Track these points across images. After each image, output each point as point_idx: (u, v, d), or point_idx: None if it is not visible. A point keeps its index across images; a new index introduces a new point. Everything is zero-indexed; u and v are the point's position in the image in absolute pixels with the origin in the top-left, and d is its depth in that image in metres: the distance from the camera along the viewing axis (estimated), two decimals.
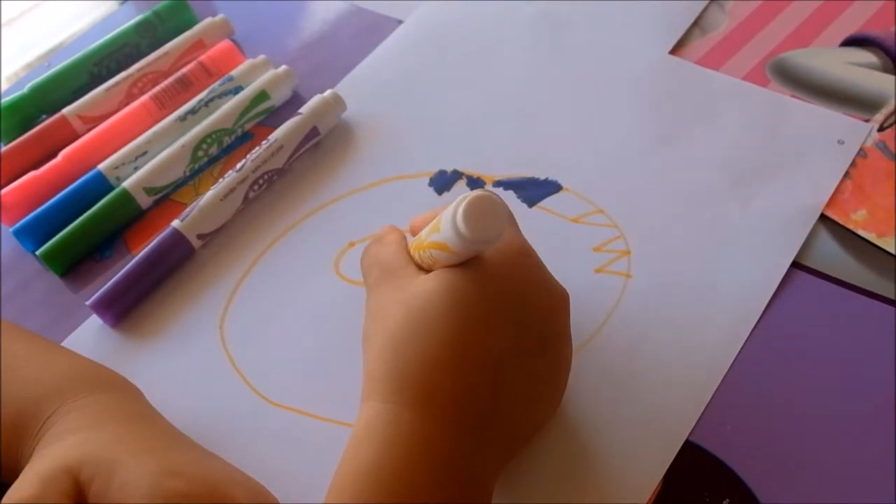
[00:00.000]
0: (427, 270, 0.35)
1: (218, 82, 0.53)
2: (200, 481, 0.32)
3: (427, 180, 0.49)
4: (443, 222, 0.32)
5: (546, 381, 0.35)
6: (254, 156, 0.48)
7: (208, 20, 0.58)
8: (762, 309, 0.41)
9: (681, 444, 0.38)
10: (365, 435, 0.32)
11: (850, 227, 0.44)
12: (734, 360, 0.40)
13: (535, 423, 0.36)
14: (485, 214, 0.30)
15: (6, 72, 0.62)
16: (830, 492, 0.36)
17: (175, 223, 0.46)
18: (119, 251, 0.48)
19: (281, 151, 0.49)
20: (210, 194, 0.47)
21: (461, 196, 0.31)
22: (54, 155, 0.51)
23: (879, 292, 0.42)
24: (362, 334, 0.36)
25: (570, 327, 0.36)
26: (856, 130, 0.48)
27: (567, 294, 0.36)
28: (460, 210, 0.30)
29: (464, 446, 0.32)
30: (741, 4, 0.56)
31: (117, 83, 0.54)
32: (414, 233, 0.39)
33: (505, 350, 0.33)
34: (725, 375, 0.40)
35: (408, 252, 0.37)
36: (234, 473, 0.35)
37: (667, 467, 0.37)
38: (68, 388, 0.36)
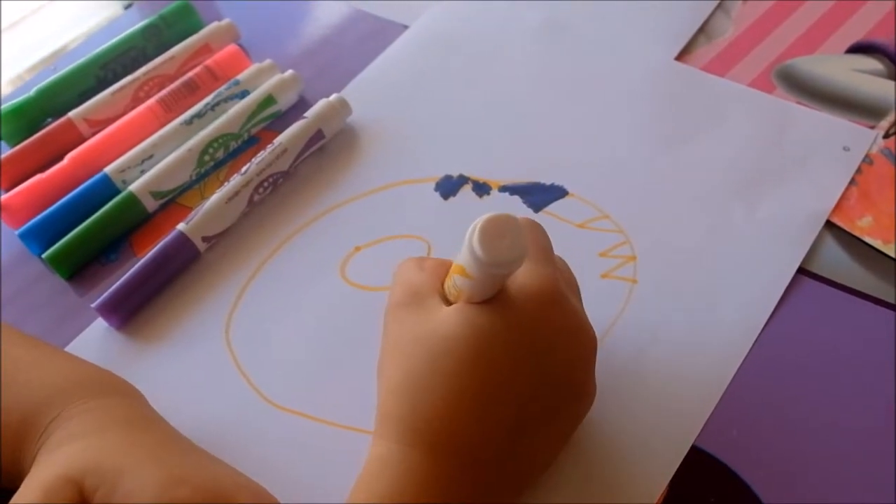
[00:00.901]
0: (452, 303, 0.34)
1: (224, 86, 0.53)
2: (205, 488, 0.32)
3: (433, 185, 0.49)
4: (463, 245, 0.31)
5: (565, 426, 0.35)
6: (258, 159, 0.48)
7: (214, 24, 0.58)
8: (768, 315, 0.42)
9: (687, 448, 0.38)
10: (377, 473, 0.32)
11: (856, 233, 0.44)
12: (740, 365, 0.40)
13: (552, 457, 0.36)
14: (501, 235, 0.29)
15: (9, 75, 0.62)
16: (835, 496, 0.36)
17: (180, 226, 0.46)
18: (125, 254, 0.48)
19: (286, 154, 0.49)
20: (215, 197, 0.47)
21: (479, 218, 0.29)
22: (60, 158, 0.51)
23: (885, 298, 0.42)
24: (378, 360, 0.36)
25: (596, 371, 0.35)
26: (861, 137, 0.48)
27: (595, 339, 0.35)
28: (476, 230, 0.29)
29: (478, 487, 0.32)
30: (747, 11, 0.56)
31: (123, 87, 0.54)
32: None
33: (526, 398, 0.33)
34: (731, 380, 0.40)
35: (441, 282, 0.36)
36: (239, 479, 0.34)
37: (673, 472, 0.37)
38: (70, 393, 0.35)
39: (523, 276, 0.33)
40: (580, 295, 0.37)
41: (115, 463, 0.31)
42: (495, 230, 0.29)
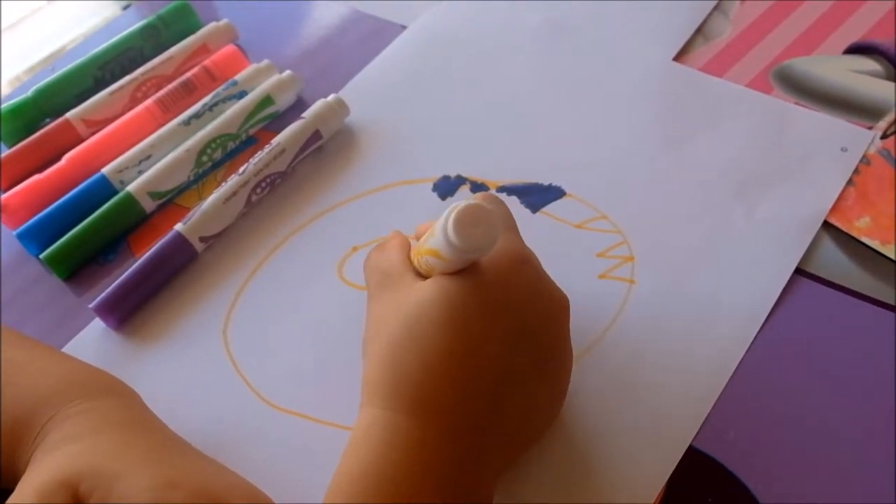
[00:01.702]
0: (425, 277, 0.35)
1: (222, 87, 0.53)
2: (199, 491, 0.32)
3: (431, 185, 0.49)
4: (436, 229, 0.32)
5: (545, 389, 0.35)
6: (256, 159, 0.48)
7: (212, 25, 0.58)
8: (765, 315, 0.41)
9: (684, 449, 0.37)
10: (363, 439, 0.32)
11: (854, 234, 0.44)
12: (738, 366, 0.40)
13: (534, 429, 0.36)
14: (475, 224, 0.30)
15: (8, 75, 0.62)
16: (833, 497, 0.36)
17: (178, 226, 0.46)
18: (123, 255, 0.48)
19: (283, 155, 0.49)
20: (213, 197, 0.47)
21: (454, 204, 0.31)
22: (58, 158, 0.51)
23: (883, 299, 0.42)
24: (362, 340, 0.36)
25: (571, 334, 0.36)
26: (859, 138, 0.48)
27: (567, 300, 0.36)
28: (451, 219, 0.30)
29: (461, 452, 0.32)
30: (745, 11, 0.56)
31: (121, 87, 0.54)
32: (419, 239, 0.38)
33: (502, 357, 0.33)
34: (729, 381, 0.39)
35: (409, 258, 0.37)
36: (235, 481, 0.34)
37: (670, 473, 0.37)
38: (65, 394, 0.35)
39: None
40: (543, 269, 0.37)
41: (109, 466, 0.31)
42: (470, 219, 0.30)
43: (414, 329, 0.33)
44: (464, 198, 0.48)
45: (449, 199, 0.48)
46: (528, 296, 0.35)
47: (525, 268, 0.35)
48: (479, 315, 0.33)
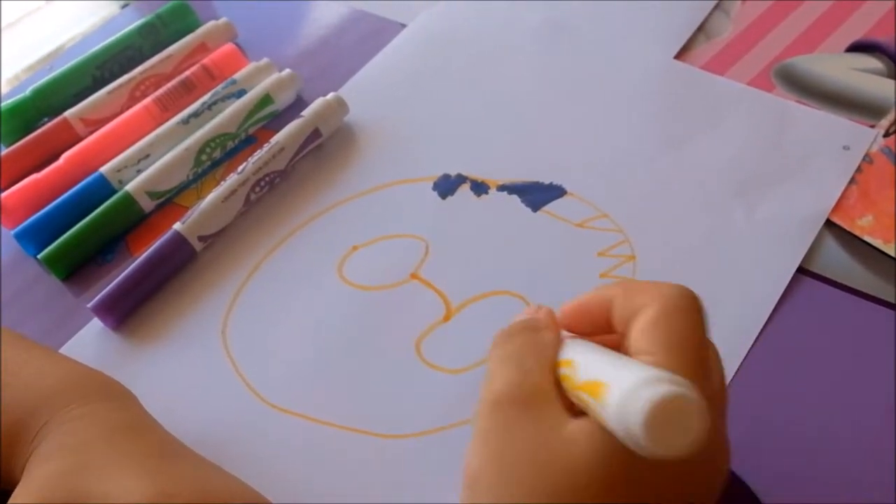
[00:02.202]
0: (575, 407, 0.27)
1: (221, 85, 0.53)
2: (196, 499, 0.32)
3: (431, 184, 0.49)
4: (609, 396, 0.24)
5: None
6: (255, 158, 0.48)
7: (211, 23, 0.58)
8: (768, 314, 0.41)
9: None
10: None
11: (856, 232, 0.44)
12: (739, 365, 0.40)
13: None
14: (675, 420, 0.22)
15: (6, 74, 0.62)
16: (836, 496, 0.36)
17: (176, 226, 0.46)
18: (121, 254, 0.48)
19: (282, 153, 0.49)
20: (211, 196, 0.47)
21: (643, 375, 0.23)
22: (56, 158, 0.51)
23: (885, 298, 0.42)
24: (468, 465, 0.28)
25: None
26: (861, 136, 0.48)
27: (728, 466, 0.30)
28: (638, 412, 0.22)
29: None
30: (746, 10, 0.56)
31: (120, 86, 0.54)
32: (566, 326, 0.31)
33: None
34: (731, 380, 0.39)
35: (555, 369, 0.29)
36: (233, 484, 0.34)
37: None
38: (62, 398, 0.35)
39: None
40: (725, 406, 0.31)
41: (102, 484, 0.31)
42: (668, 416, 0.22)
43: (553, 498, 0.26)
44: (465, 197, 0.47)
45: (449, 198, 0.48)
46: (703, 490, 0.28)
47: (714, 467, 0.28)
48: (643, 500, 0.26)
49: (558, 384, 0.28)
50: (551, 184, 0.48)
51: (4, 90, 0.60)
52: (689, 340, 0.27)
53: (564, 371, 0.28)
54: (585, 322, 0.30)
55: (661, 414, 0.22)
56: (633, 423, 0.22)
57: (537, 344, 0.29)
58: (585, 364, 0.27)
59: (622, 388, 0.23)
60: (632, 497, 0.26)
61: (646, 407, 0.21)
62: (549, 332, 0.30)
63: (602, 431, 0.26)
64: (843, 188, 0.46)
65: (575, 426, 0.26)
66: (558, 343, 0.30)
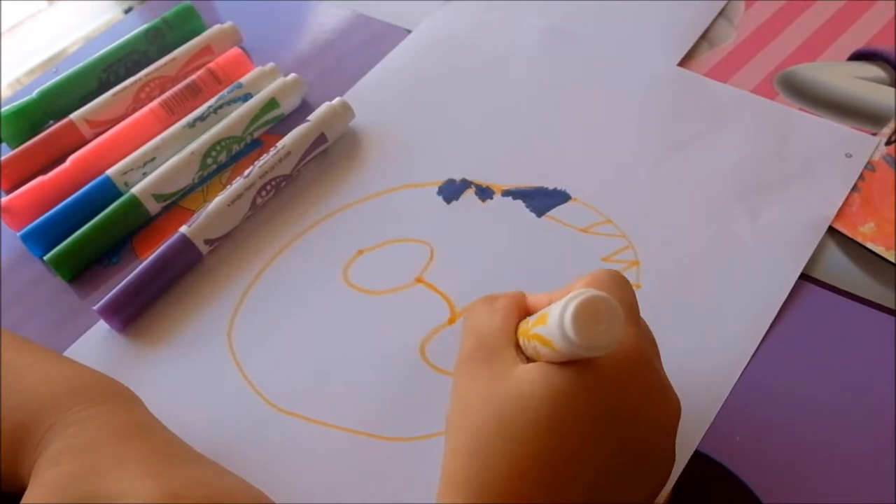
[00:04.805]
0: (529, 357, 0.32)
1: (227, 89, 0.53)
2: (203, 500, 0.32)
3: (436, 189, 0.49)
4: (550, 317, 0.29)
5: (641, 495, 0.32)
6: (262, 162, 0.48)
7: (217, 27, 0.58)
8: (771, 321, 0.41)
9: (690, 454, 0.37)
10: None
11: (859, 239, 0.44)
12: (743, 371, 0.40)
13: None
14: (598, 320, 0.27)
15: (7, 79, 0.62)
16: (838, 502, 0.36)
17: (183, 229, 0.46)
18: (127, 257, 0.48)
19: (289, 158, 0.49)
20: (218, 199, 0.47)
21: (573, 293, 0.27)
22: (62, 160, 0.51)
23: (887, 305, 0.42)
24: (446, 418, 0.33)
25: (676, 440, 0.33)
26: (863, 144, 0.48)
27: (679, 408, 0.33)
28: (569, 311, 0.27)
29: None
30: (749, 18, 0.56)
31: (125, 88, 0.54)
32: (530, 308, 0.35)
33: (602, 468, 0.30)
34: (734, 386, 0.39)
35: (515, 328, 0.33)
36: (239, 486, 0.34)
37: (677, 477, 0.37)
38: (67, 400, 0.35)
39: None
40: (660, 357, 0.34)
41: (108, 487, 0.31)
42: (592, 314, 0.27)
43: (508, 427, 0.30)
44: (470, 202, 0.48)
45: (454, 203, 0.48)
46: (642, 407, 0.31)
47: (645, 375, 0.31)
48: (585, 422, 0.30)
49: (517, 346, 0.32)
50: (556, 189, 0.48)
51: (5, 94, 0.60)
52: (616, 290, 0.32)
53: (521, 328, 0.33)
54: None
55: (586, 312, 0.27)
56: (567, 324, 0.27)
57: (495, 311, 0.34)
58: (535, 315, 0.32)
59: (559, 304, 0.28)
60: (572, 420, 0.29)
61: (574, 307, 0.27)
62: (504, 299, 0.34)
63: (549, 367, 0.30)
64: (845, 195, 0.46)
65: (526, 366, 0.31)
66: (515, 309, 0.34)
